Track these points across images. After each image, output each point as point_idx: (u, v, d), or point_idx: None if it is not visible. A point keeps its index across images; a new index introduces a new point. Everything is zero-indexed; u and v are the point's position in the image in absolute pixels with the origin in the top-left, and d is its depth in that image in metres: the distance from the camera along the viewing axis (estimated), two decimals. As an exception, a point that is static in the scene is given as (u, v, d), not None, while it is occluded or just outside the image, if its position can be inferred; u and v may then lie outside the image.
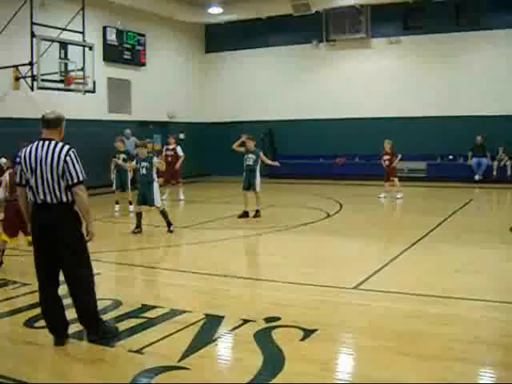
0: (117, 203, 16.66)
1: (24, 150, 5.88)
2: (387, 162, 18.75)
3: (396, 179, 18.73)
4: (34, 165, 5.74)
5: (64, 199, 5.76)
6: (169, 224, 12.80)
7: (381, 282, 8.33)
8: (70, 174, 5.72)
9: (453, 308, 7.08)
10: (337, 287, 7.96)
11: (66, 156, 5.73)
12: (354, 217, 15.24)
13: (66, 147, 5.79)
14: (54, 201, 5.74)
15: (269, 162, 15.21)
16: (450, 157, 23.94)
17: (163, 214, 12.84)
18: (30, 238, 9.51)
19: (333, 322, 6.57)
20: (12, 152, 14.42)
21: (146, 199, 12.76)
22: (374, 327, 6.37)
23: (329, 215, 14.96)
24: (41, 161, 5.72)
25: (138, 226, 12.86)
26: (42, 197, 5.75)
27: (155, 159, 13.01)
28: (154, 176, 12.83)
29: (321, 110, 26.12)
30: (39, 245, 5.87)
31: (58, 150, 5.74)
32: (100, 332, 5.97)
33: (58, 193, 5.73)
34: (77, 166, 5.77)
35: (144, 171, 12.78)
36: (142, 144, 13.32)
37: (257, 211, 14.71)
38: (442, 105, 23.96)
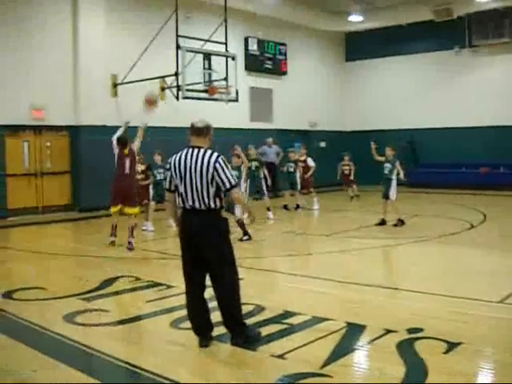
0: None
1: (174, 157, 6.08)
2: None
3: None
4: (183, 171, 5.92)
5: (212, 205, 5.91)
6: (245, 233, 12.79)
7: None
8: (222, 180, 5.87)
9: None
10: (481, 300, 7.68)
11: (215, 163, 5.87)
12: (499, 228, 14.67)
13: (215, 154, 5.93)
14: (203, 207, 5.89)
15: (401, 173, 14.88)
16: None
17: (240, 224, 12.81)
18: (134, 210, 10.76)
19: (478, 335, 6.34)
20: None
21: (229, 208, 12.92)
22: (521, 344, 6.12)
23: (472, 226, 14.50)
24: (190, 168, 5.89)
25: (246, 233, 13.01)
26: (190, 202, 5.91)
27: (242, 166, 13.13)
28: (242, 185, 13.02)
29: (463, 118, 25.37)
30: (187, 249, 6.03)
31: (207, 157, 5.89)
32: (244, 336, 6.05)
33: (206, 199, 5.88)
34: (227, 172, 5.90)
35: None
36: (235, 153, 13.42)
37: (398, 220, 14.51)
38: None
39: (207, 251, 5.92)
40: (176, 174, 5.99)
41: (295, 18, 25.18)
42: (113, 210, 10.86)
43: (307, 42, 27.36)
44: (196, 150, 5.97)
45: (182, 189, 5.96)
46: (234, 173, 12.78)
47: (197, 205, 5.90)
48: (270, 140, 21.76)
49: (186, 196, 5.93)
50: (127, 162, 10.90)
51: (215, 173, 5.86)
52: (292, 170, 18.70)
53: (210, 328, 6.15)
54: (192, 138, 6.11)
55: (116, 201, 10.85)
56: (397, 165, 14.65)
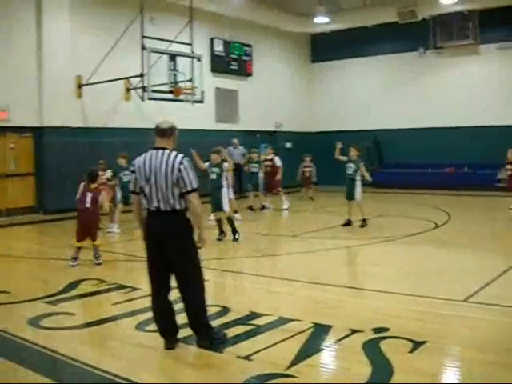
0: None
1: (138, 159, 6.06)
2: (510, 172, 18.03)
3: None
4: (148, 173, 5.91)
5: (177, 206, 5.90)
6: (234, 232, 12.90)
7: (492, 295, 8.04)
8: (184, 182, 5.85)
9: None
10: (445, 299, 7.77)
11: (179, 164, 5.86)
12: (463, 228, 14.83)
13: (180, 156, 5.93)
14: (168, 208, 5.88)
15: (366, 175, 14.86)
16: None
17: (230, 221, 13.00)
18: (95, 242, 10.45)
19: (442, 334, 6.41)
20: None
21: (218, 205, 12.94)
22: (485, 341, 6.17)
23: (437, 225, 14.64)
24: (155, 169, 5.88)
25: (222, 231, 13.10)
26: (155, 204, 5.90)
27: (225, 164, 13.19)
28: (224, 182, 13.02)
29: (427, 119, 25.62)
30: (152, 250, 6.01)
31: (171, 159, 5.88)
32: (209, 337, 6.05)
33: (171, 200, 5.87)
34: (190, 174, 5.90)
35: (214, 176, 13.02)
36: (215, 150, 13.39)
37: (363, 220, 14.60)
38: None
39: (172, 252, 5.90)
40: (141, 176, 5.97)
41: (261, 19, 25.21)
42: (78, 245, 10.57)
43: (273, 44, 27.39)
44: (161, 152, 5.96)
45: (147, 190, 5.94)
46: (216, 170, 12.93)
47: (162, 206, 5.89)
48: (235, 141, 21.78)
49: (152, 197, 5.91)
50: (88, 197, 10.59)
51: (179, 174, 5.85)
52: (256, 170, 18.76)
53: (175, 330, 6.13)
54: (156, 139, 6.10)
55: (80, 237, 10.56)
56: (361, 166, 14.70)
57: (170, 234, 5.89)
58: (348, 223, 14.80)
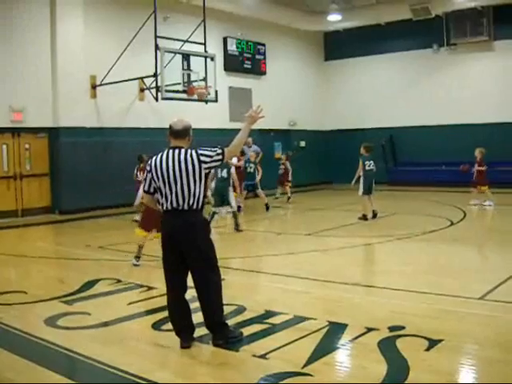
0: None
1: (154, 159, 6.06)
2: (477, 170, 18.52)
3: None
4: (165, 172, 5.90)
5: (194, 205, 5.90)
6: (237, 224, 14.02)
7: (508, 292, 7.98)
8: (213, 159, 5.97)
9: None
10: (462, 297, 7.73)
11: (199, 157, 5.91)
12: (479, 225, 14.79)
13: (193, 151, 5.95)
14: (185, 207, 5.88)
15: (359, 170, 15.38)
16: None
17: (234, 215, 14.19)
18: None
19: (458, 332, 6.37)
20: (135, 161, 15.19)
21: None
22: (501, 339, 6.13)
23: (452, 223, 14.58)
24: (174, 168, 5.88)
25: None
26: (174, 204, 5.89)
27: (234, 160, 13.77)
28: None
29: (442, 116, 25.54)
30: (169, 249, 6.00)
31: (189, 155, 5.90)
32: (225, 336, 6.05)
33: (188, 199, 5.87)
34: (209, 151, 5.98)
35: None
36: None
37: (362, 215, 15.23)
38: None
39: (189, 251, 5.91)
40: (158, 176, 5.96)
41: (274, 18, 25.21)
42: (145, 234, 10.44)
43: (286, 42, 27.40)
44: (177, 151, 5.96)
45: (164, 190, 5.94)
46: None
47: (180, 205, 5.88)
48: (249, 140, 21.75)
49: (169, 197, 5.91)
50: None
51: (205, 164, 5.92)
52: (252, 170, 18.89)
53: (191, 329, 6.14)
54: (171, 139, 6.09)
55: (151, 226, 10.35)
56: (360, 163, 15.19)
57: (187, 233, 5.88)
58: (373, 216, 15.33)
